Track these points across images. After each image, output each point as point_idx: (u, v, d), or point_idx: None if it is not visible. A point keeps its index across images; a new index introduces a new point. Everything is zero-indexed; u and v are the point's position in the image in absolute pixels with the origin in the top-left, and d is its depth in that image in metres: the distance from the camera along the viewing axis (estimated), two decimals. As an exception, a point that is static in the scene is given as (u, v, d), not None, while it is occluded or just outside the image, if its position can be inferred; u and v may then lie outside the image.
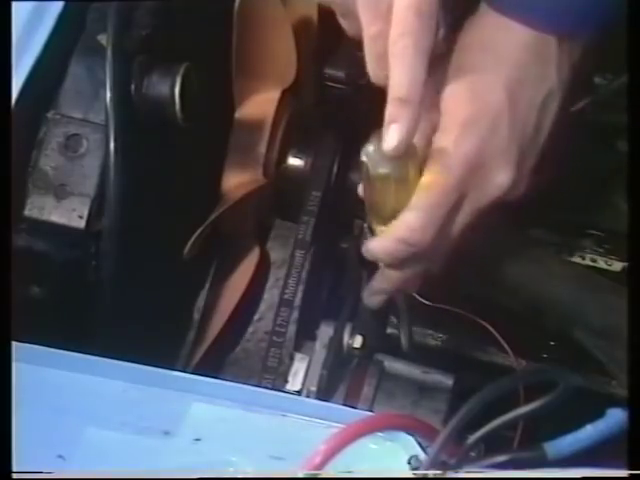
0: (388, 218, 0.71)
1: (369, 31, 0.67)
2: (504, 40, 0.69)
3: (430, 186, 0.69)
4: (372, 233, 0.74)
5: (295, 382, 0.80)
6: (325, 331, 0.82)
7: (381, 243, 0.72)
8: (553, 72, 0.70)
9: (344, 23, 0.71)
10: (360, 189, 0.75)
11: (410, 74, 0.65)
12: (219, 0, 0.84)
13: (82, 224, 0.70)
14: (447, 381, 0.82)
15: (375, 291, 0.80)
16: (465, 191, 0.70)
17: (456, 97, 0.69)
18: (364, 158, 0.68)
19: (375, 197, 0.71)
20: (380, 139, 0.68)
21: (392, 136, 0.66)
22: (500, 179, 0.69)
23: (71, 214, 0.70)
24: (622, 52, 0.60)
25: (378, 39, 0.66)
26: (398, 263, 0.74)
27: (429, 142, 0.70)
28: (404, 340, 0.86)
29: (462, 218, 0.71)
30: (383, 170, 0.69)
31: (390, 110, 0.66)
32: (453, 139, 0.69)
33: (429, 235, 0.69)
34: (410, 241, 0.70)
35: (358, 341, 0.82)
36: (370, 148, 0.68)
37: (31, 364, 0.58)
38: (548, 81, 0.70)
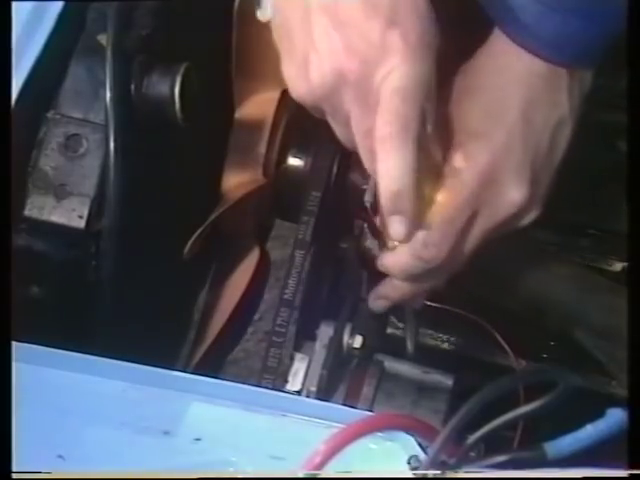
0: None
1: (361, 127, 0.66)
2: (516, 66, 0.69)
3: (444, 202, 0.69)
4: (385, 247, 0.75)
5: (295, 382, 0.80)
6: (325, 331, 0.82)
7: (395, 258, 0.72)
8: (565, 99, 0.70)
9: (336, 127, 0.69)
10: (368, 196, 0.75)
11: (400, 165, 0.64)
12: (219, 0, 0.84)
13: (82, 224, 0.70)
14: (447, 381, 0.82)
15: (380, 296, 0.80)
16: (478, 207, 0.70)
17: (469, 114, 0.70)
18: None
19: None
20: None
21: (398, 227, 0.67)
22: (513, 196, 0.69)
23: (71, 214, 0.70)
24: (622, 52, 0.60)
25: (370, 134, 0.65)
26: (411, 278, 0.74)
27: (442, 159, 0.70)
28: (410, 343, 0.86)
29: (475, 235, 0.71)
30: None
31: (387, 203, 0.66)
32: (467, 155, 0.69)
33: (443, 251, 0.70)
34: (425, 257, 0.70)
35: (358, 341, 0.82)
36: None
37: (31, 364, 0.58)
38: (560, 108, 0.70)
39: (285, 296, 0.83)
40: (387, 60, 0.63)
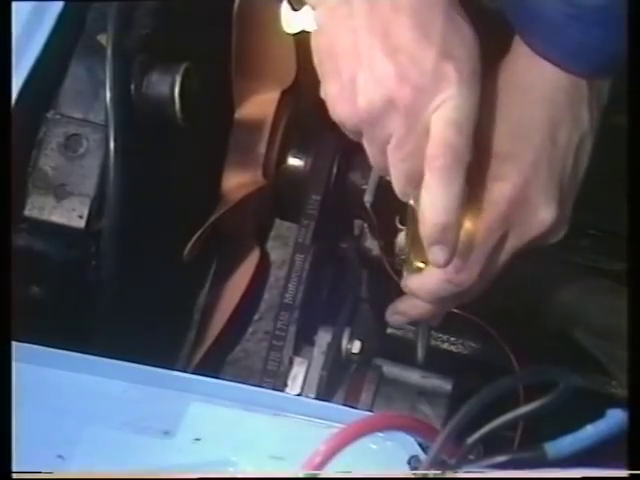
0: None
1: (401, 152, 0.65)
2: (538, 82, 0.69)
3: (475, 224, 0.68)
4: (409, 268, 0.73)
5: (294, 386, 0.80)
6: (323, 337, 0.81)
7: (423, 281, 0.72)
8: (585, 115, 0.70)
9: (370, 149, 0.68)
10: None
11: (449, 198, 0.64)
12: (219, 0, 0.84)
13: (82, 224, 0.70)
14: (446, 386, 0.81)
15: (398, 312, 0.79)
16: (509, 228, 0.69)
17: (495, 136, 0.69)
18: (412, 202, 0.68)
19: (419, 236, 0.69)
20: None
21: (440, 257, 0.67)
22: (543, 215, 0.69)
23: (71, 214, 0.70)
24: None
25: (412, 157, 0.64)
26: (438, 301, 0.73)
27: (470, 182, 0.70)
28: (421, 350, 0.86)
29: (505, 255, 0.70)
30: None
31: (431, 234, 0.66)
32: (496, 175, 0.68)
33: (475, 274, 0.69)
34: (456, 281, 0.69)
35: (356, 346, 0.81)
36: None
37: (31, 364, 0.58)
38: (582, 124, 0.70)
39: (285, 300, 0.83)
40: (440, 90, 0.63)
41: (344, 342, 0.81)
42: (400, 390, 0.81)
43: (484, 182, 0.69)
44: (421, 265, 0.72)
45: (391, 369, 0.82)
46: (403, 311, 0.78)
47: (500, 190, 0.68)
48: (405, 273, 0.74)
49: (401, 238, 0.76)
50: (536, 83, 0.69)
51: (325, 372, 0.80)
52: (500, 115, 0.69)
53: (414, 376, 0.82)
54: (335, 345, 0.81)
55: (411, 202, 0.68)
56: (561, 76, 0.68)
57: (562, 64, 0.68)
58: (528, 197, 0.69)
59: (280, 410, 0.59)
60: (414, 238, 0.71)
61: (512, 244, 0.70)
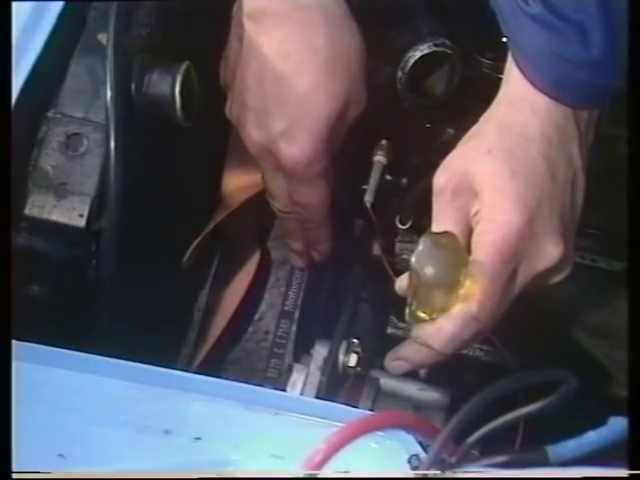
0: (434, 310, 0.70)
1: None
2: (531, 121, 0.70)
3: (487, 258, 0.69)
4: (412, 317, 0.72)
5: (294, 392, 0.79)
6: (320, 352, 0.81)
7: (438, 331, 0.71)
8: (576, 151, 0.71)
9: None
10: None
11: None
12: (219, 0, 0.84)
13: (82, 223, 0.70)
14: (444, 399, 0.81)
15: (400, 358, 0.77)
16: (518, 262, 0.70)
17: (497, 174, 0.70)
18: (413, 259, 0.68)
19: (423, 291, 0.70)
20: (430, 240, 0.68)
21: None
22: (550, 249, 0.70)
23: (71, 213, 0.70)
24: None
25: None
26: (451, 350, 0.72)
27: (469, 229, 0.71)
28: None
29: (516, 290, 0.71)
30: (432, 272, 0.68)
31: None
32: (504, 210, 0.69)
33: (490, 312, 0.70)
34: (473, 328, 0.70)
35: (353, 359, 0.80)
36: (420, 248, 0.68)
37: (31, 363, 0.58)
38: (574, 160, 0.71)
39: (285, 308, 0.83)
40: None
41: (341, 355, 0.80)
42: (397, 404, 0.80)
43: (495, 216, 0.69)
44: (424, 316, 0.71)
45: (388, 382, 0.81)
46: (404, 356, 0.77)
47: (509, 223, 0.69)
48: (409, 320, 0.73)
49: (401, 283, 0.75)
50: (530, 122, 0.70)
51: (325, 377, 0.79)
52: (501, 156, 0.70)
53: (412, 389, 0.81)
54: (332, 359, 0.80)
55: (413, 260, 0.68)
56: (552, 112, 0.70)
57: (549, 92, 0.69)
58: (534, 232, 0.69)
59: (280, 409, 0.59)
60: (416, 293, 0.70)
61: (521, 280, 0.70)
